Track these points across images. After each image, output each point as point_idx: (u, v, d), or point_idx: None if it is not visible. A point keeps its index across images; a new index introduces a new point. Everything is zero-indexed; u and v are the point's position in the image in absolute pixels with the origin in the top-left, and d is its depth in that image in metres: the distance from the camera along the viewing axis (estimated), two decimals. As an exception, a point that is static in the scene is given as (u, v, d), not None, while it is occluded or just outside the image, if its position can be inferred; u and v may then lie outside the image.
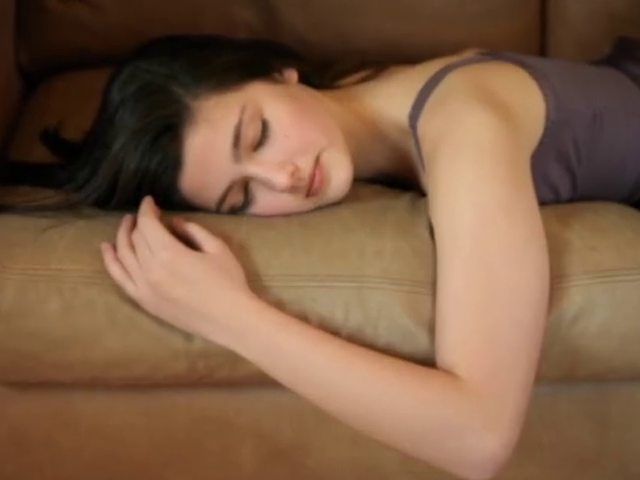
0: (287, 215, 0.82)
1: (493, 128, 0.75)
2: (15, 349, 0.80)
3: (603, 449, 0.91)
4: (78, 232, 0.80)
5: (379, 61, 1.04)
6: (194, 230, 0.77)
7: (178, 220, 0.78)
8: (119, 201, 0.79)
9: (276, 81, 0.84)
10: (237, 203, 0.82)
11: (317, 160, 0.81)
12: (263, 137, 0.79)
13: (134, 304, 0.77)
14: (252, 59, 0.84)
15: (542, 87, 0.85)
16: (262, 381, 0.77)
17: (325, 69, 1.02)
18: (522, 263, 0.71)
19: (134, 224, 0.78)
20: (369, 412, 0.70)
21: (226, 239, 0.77)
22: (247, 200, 0.82)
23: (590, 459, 0.92)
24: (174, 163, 0.77)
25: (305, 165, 0.80)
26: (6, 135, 1.10)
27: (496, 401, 0.67)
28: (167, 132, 0.76)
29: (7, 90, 1.20)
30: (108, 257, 0.77)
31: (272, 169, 0.78)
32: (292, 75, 0.87)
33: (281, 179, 0.77)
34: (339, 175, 0.82)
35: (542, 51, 1.32)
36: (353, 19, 1.26)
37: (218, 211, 0.82)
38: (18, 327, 0.78)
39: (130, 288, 0.75)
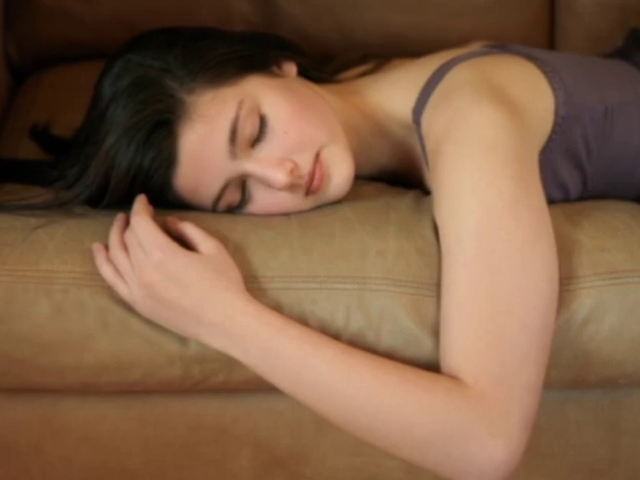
0: (286, 214, 0.82)
1: (500, 124, 0.75)
2: (3, 353, 0.80)
3: (615, 457, 0.91)
4: (68, 232, 0.80)
5: (382, 54, 1.04)
6: (189, 230, 0.77)
7: (172, 219, 0.78)
8: (111, 199, 0.79)
9: (274, 75, 0.84)
10: (234, 202, 0.82)
11: (317, 157, 0.81)
12: (261, 133, 0.79)
13: (127, 307, 0.77)
14: (249, 52, 0.84)
15: (551, 81, 0.86)
16: (260, 387, 0.78)
17: (325, 62, 1.02)
18: (530, 264, 0.71)
19: (127, 223, 0.77)
20: (371, 419, 0.70)
21: (222, 239, 0.77)
22: (244, 199, 0.82)
23: (601, 468, 0.92)
24: (168, 160, 0.77)
25: (304, 162, 0.80)
26: (-6, 131, 1.10)
27: (502, 407, 0.67)
28: (161, 128, 0.76)
29: (-5, 84, 1.21)
30: (100, 258, 0.77)
31: (270, 166, 0.78)
32: (291, 68, 0.87)
33: (279, 176, 0.78)
34: (340, 172, 0.82)
35: (551, 44, 1.32)
36: (355, 10, 1.26)
37: (214, 210, 0.82)
38: (6, 330, 0.78)
39: (122, 290, 0.75)
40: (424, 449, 0.69)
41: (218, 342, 0.74)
